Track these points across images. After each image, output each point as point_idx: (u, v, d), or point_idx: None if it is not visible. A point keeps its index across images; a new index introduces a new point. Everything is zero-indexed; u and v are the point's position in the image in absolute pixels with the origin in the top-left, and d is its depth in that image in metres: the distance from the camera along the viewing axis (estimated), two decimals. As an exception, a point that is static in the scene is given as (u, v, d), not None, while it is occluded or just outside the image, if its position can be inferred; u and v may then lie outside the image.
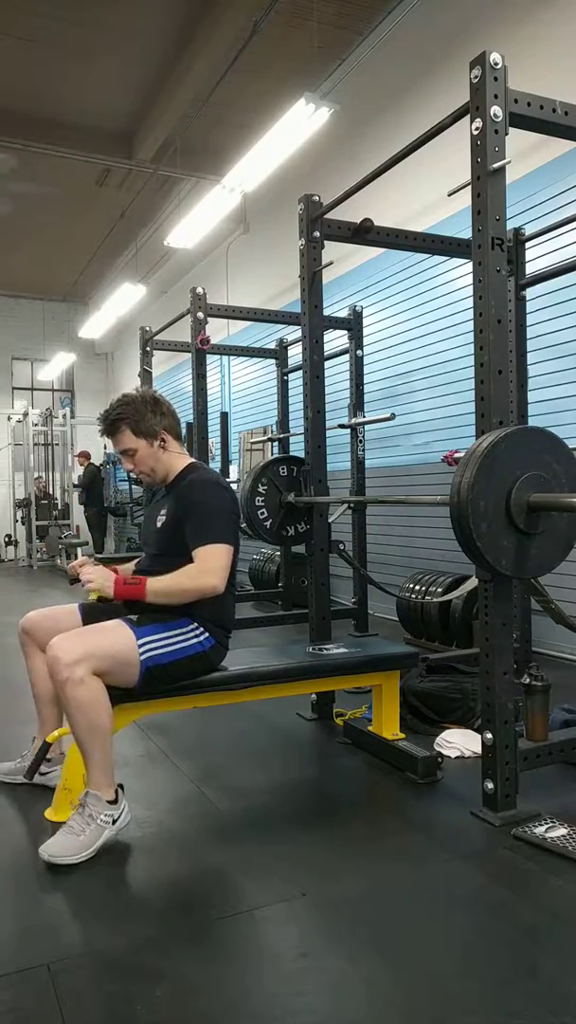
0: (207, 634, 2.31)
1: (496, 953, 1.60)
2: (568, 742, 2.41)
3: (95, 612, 2.38)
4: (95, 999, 1.49)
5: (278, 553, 6.35)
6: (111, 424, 2.41)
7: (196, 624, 2.29)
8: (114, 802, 2.11)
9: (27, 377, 13.70)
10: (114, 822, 2.09)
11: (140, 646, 2.17)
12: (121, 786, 2.17)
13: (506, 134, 2.22)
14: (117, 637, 2.16)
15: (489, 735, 2.23)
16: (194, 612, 2.29)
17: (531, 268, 3.98)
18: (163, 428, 2.42)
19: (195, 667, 2.29)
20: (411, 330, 5.71)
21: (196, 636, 2.28)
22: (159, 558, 2.40)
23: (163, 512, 2.42)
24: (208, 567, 2.22)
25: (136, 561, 2.59)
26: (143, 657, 2.16)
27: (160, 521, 2.42)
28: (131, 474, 2.51)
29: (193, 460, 2.54)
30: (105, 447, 13.66)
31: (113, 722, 2.13)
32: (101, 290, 11.81)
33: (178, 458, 2.48)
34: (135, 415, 2.39)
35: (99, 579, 2.18)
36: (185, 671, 2.27)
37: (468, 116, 2.25)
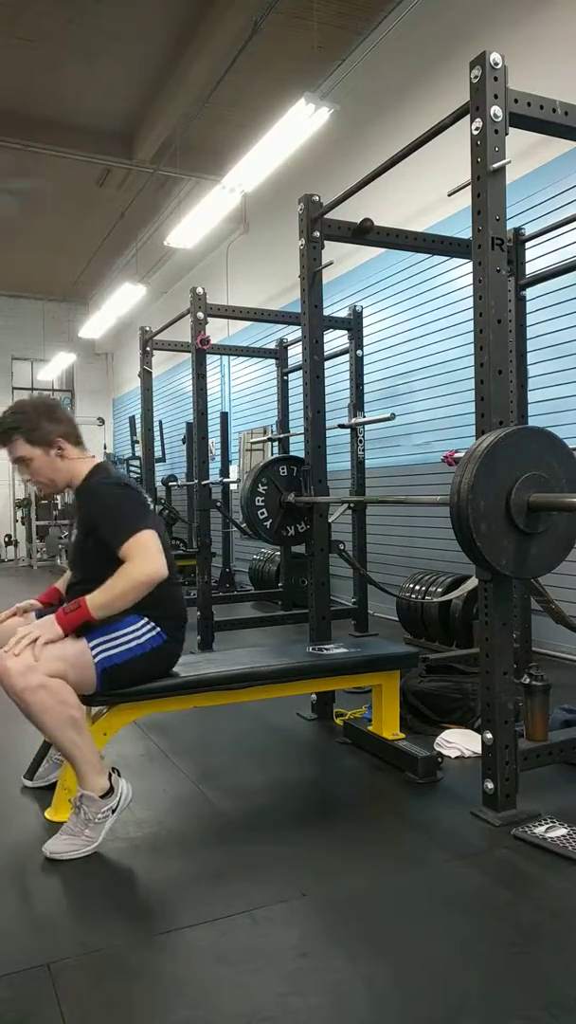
0: (158, 628, 2.25)
1: (496, 953, 1.60)
2: (568, 742, 2.41)
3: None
4: (95, 999, 1.49)
5: (278, 553, 6.35)
6: (2, 434, 2.31)
7: (145, 619, 2.23)
8: (108, 793, 2.09)
9: (27, 377, 13.70)
10: (113, 811, 2.09)
11: (92, 648, 2.13)
12: (115, 769, 2.16)
13: (506, 134, 2.22)
14: (67, 640, 2.11)
15: (489, 735, 2.23)
16: (141, 608, 2.20)
17: (531, 268, 3.97)
18: (59, 435, 2.33)
19: (152, 664, 2.25)
20: (411, 330, 5.72)
21: (148, 632, 2.23)
22: (78, 568, 2.34)
23: (75, 526, 2.34)
24: (141, 555, 2.12)
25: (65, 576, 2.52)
26: (97, 659, 2.12)
27: (75, 535, 2.36)
28: (33, 485, 2.43)
29: (99, 462, 2.42)
30: (105, 447, 13.69)
31: (84, 715, 2.10)
32: (101, 290, 11.81)
33: (80, 463, 2.38)
34: (28, 423, 2.30)
35: (44, 633, 2.06)
36: (143, 669, 2.23)
37: (468, 116, 2.25)
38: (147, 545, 2.14)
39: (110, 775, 2.13)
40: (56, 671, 2.04)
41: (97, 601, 2.10)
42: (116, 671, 2.17)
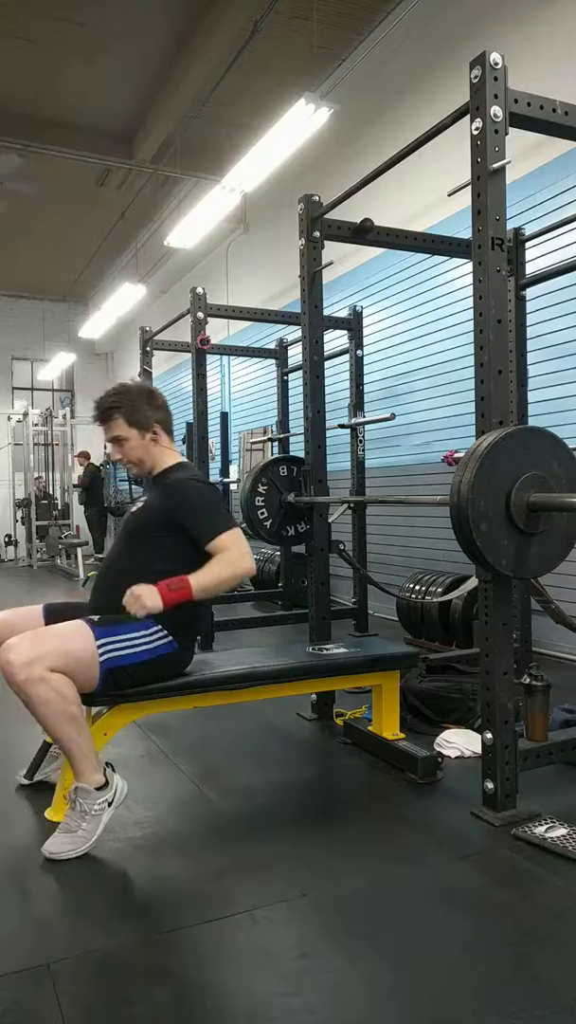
0: (170, 637, 2.26)
1: (496, 953, 1.60)
2: (568, 742, 2.41)
3: (57, 613, 2.37)
4: (95, 999, 1.49)
5: (278, 553, 6.35)
6: (105, 411, 2.41)
7: (160, 627, 2.24)
8: (104, 786, 2.09)
9: (27, 377, 13.70)
10: (110, 804, 2.09)
11: (99, 647, 2.13)
12: (109, 764, 2.16)
13: (506, 134, 2.22)
14: (74, 637, 2.13)
15: (489, 735, 2.23)
16: (158, 615, 2.21)
17: (531, 268, 3.97)
18: (156, 421, 2.44)
19: (159, 670, 2.25)
20: (411, 330, 5.71)
21: (159, 639, 2.24)
22: (126, 545, 2.41)
23: (142, 500, 2.46)
24: (239, 548, 2.26)
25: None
26: (103, 658, 2.12)
27: (136, 508, 2.46)
28: (121, 463, 2.51)
29: (183, 459, 2.54)
30: (105, 447, 13.67)
31: (82, 710, 2.10)
32: (101, 290, 11.81)
33: (167, 453, 2.49)
34: (130, 404, 2.41)
35: (147, 599, 2.12)
36: (148, 674, 2.23)
37: (468, 116, 2.25)
38: (242, 541, 2.29)
39: (105, 770, 2.13)
40: (59, 666, 2.04)
41: (201, 583, 2.18)
42: (120, 673, 2.17)
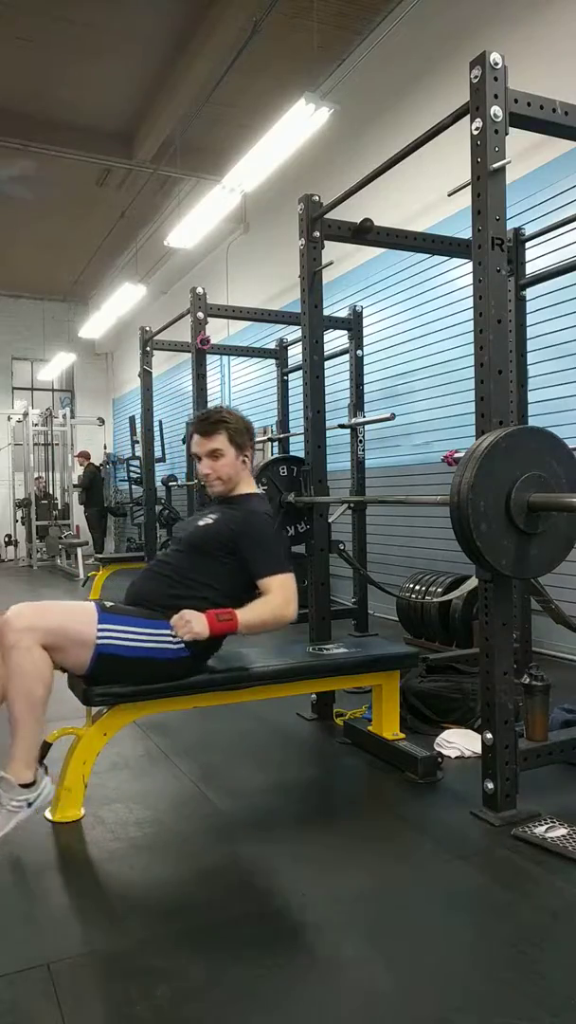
0: (182, 644, 2.25)
1: (496, 953, 1.60)
2: (568, 742, 2.41)
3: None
4: (95, 999, 1.49)
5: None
6: (214, 423, 2.51)
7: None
8: (30, 784, 2.06)
9: (27, 377, 13.70)
10: (30, 805, 2.06)
11: (99, 630, 2.16)
12: (45, 766, 2.14)
13: (506, 134, 2.22)
14: (76, 615, 2.18)
15: (489, 735, 2.23)
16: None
17: (531, 268, 3.97)
18: (249, 448, 2.59)
19: (155, 671, 2.25)
20: (411, 330, 5.71)
21: (170, 642, 2.24)
22: (185, 553, 2.44)
23: (211, 517, 2.49)
24: (287, 594, 2.33)
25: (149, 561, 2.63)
26: (99, 641, 2.15)
27: (204, 522, 2.49)
28: (204, 479, 2.59)
29: (259, 491, 2.65)
30: (105, 447, 13.68)
31: (47, 701, 2.09)
32: (101, 290, 11.81)
33: (248, 481, 2.61)
34: (235, 425, 2.54)
35: (196, 624, 2.15)
36: (143, 671, 2.24)
37: (468, 116, 2.25)
38: (292, 587, 2.36)
39: (38, 770, 2.10)
40: (52, 643, 2.08)
41: (246, 620, 2.23)
42: (114, 661, 2.18)
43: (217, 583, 2.38)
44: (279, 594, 2.32)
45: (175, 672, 2.30)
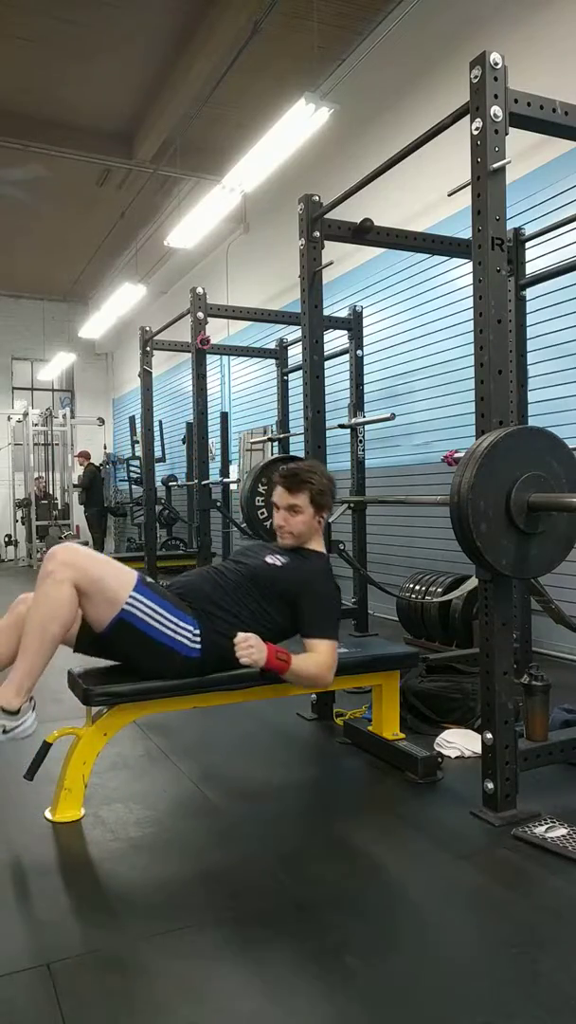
0: (201, 646, 2.30)
1: (496, 953, 1.60)
2: (568, 742, 2.41)
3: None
4: (95, 999, 1.49)
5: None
6: (300, 481, 2.56)
7: (200, 632, 2.31)
8: (15, 712, 2.12)
9: (27, 377, 13.70)
10: (5, 732, 2.12)
11: (131, 597, 2.21)
12: (33, 700, 2.19)
13: (506, 134, 2.22)
14: (117, 574, 2.25)
15: (489, 735, 2.23)
16: (207, 622, 2.33)
17: (531, 268, 3.98)
18: (327, 509, 2.63)
19: (162, 659, 2.28)
20: (411, 330, 5.72)
21: (188, 639, 2.29)
22: (245, 578, 2.47)
23: (280, 559, 2.53)
24: (331, 660, 2.39)
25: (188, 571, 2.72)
26: (126, 606, 2.21)
27: (272, 561, 2.52)
28: (277, 529, 2.63)
29: (324, 552, 2.67)
30: (105, 447, 13.68)
31: (58, 640, 2.17)
32: (101, 290, 11.81)
33: (318, 540, 2.65)
34: (320, 486, 2.58)
35: (257, 652, 2.18)
36: (151, 654, 2.27)
37: (468, 116, 2.25)
38: (335, 656, 2.42)
39: (25, 703, 2.16)
40: (86, 587, 2.15)
41: (296, 668, 2.27)
42: (130, 631, 2.23)
43: (261, 618, 2.42)
44: (327, 658, 2.38)
45: (177, 667, 2.31)
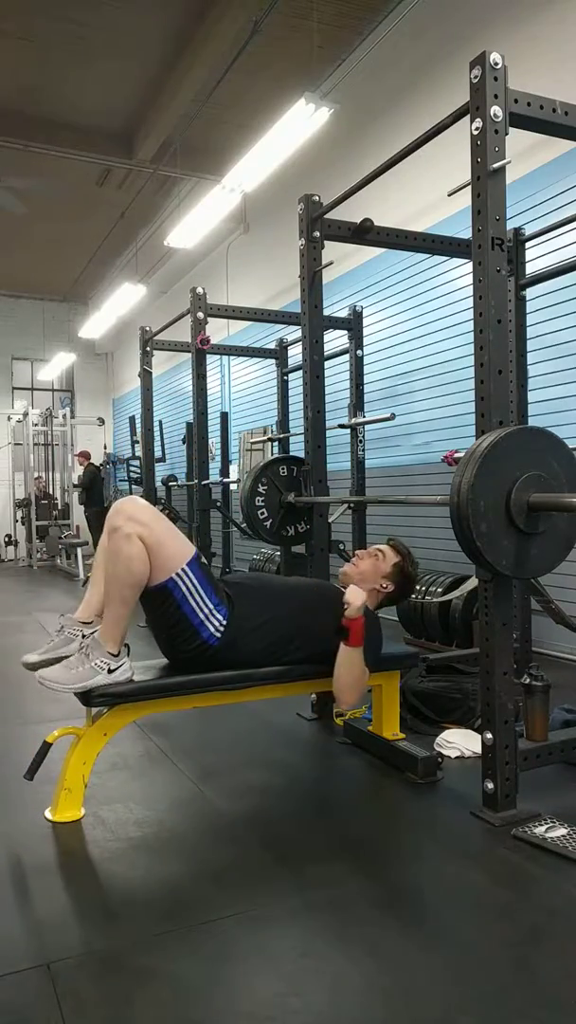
0: (222, 634, 2.36)
1: (496, 953, 1.60)
2: (568, 742, 2.41)
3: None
4: (95, 999, 1.49)
5: (278, 553, 6.35)
6: (404, 554, 2.76)
7: (228, 621, 2.37)
8: (116, 655, 2.24)
9: (27, 377, 13.70)
10: (110, 671, 2.22)
11: (182, 570, 2.29)
12: (128, 646, 2.31)
13: (506, 134, 2.22)
14: (178, 543, 2.34)
15: (489, 735, 2.23)
16: (238, 612, 2.40)
17: (531, 268, 3.98)
18: (395, 585, 2.72)
19: (185, 637, 2.35)
20: (411, 330, 5.72)
21: (214, 626, 2.35)
22: (316, 592, 2.69)
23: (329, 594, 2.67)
24: (363, 688, 2.55)
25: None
26: (174, 576, 2.29)
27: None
28: (351, 561, 2.79)
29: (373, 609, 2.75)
30: (105, 447, 13.68)
31: (137, 588, 2.26)
32: (101, 290, 11.81)
33: (373, 598, 2.70)
34: (405, 567, 2.74)
35: (358, 601, 2.45)
36: (178, 628, 2.34)
37: (468, 116, 2.25)
38: (366, 680, 2.56)
39: (123, 649, 2.28)
40: (148, 545, 2.23)
41: (358, 653, 2.47)
42: (167, 599, 2.30)
43: (308, 633, 2.52)
44: (362, 680, 2.52)
45: (193, 649, 2.37)
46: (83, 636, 2.35)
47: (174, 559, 2.29)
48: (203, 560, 2.40)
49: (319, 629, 2.52)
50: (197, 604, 2.33)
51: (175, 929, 1.70)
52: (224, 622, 2.37)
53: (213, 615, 2.35)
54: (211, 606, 2.35)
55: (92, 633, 2.30)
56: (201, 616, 2.34)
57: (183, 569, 2.30)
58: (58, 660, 2.30)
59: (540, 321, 4.29)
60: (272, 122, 5.28)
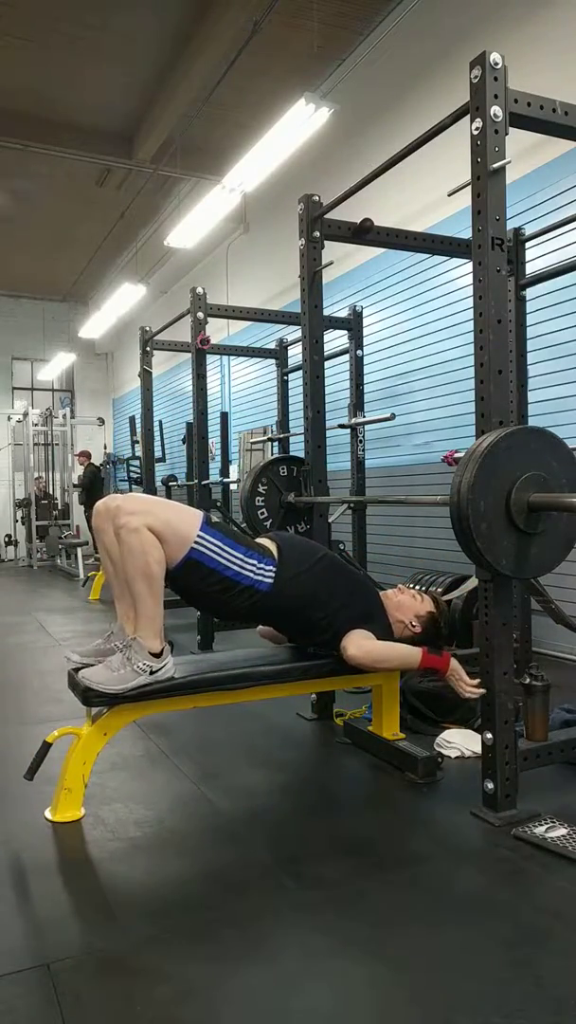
0: (271, 581, 2.43)
1: (496, 953, 1.60)
2: (568, 742, 2.41)
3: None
4: (95, 999, 1.49)
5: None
6: (434, 600, 2.85)
7: (273, 567, 2.45)
8: (158, 655, 2.25)
9: (27, 377, 13.70)
10: (152, 672, 2.23)
11: (199, 536, 2.31)
12: (171, 643, 2.32)
13: (506, 134, 2.22)
14: (183, 515, 2.35)
15: (489, 735, 2.23)
16: (285, 561, 2.47)
17: (531, 268, 3.97)
18: (421, 629, 2.77)
19: (234, 593, 2.39)
20: (411, 330, 5.72)
21: (254, 572, 2.40)
22: (337, 572, 2.71)
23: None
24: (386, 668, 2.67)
25: None
26: (193, 545, 2.30)
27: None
28: (398, 589, 2.87)
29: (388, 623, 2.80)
30: (105, 447, 13.68)
31: (162, 577, 2.27)
32: (101, 290, 11.81)
33: (399, 627, 2.76)
34: (439, 614, 2.82)
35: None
36: (223, 587, 2.37)
37: (468, 116, 2.24)
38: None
39: (164, 647, 2.28)
40: (157, 530, 2.23)
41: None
42: (198, 568, 2.33)
43: (327, 607, 2.57)
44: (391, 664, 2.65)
45: (247, 600, 2.41)
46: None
47: (186, 530, 2.31)
48: (213, 519, 2.42)
49: (329, 616, 2.55)
50: (228, 559, 2.36)
51: (175, 929, 1.70)
52: (267, 564, 2.44)
53: (248, 562, 2.40)
54: (240, 555, 2.39)
55: (133, 638, 2.28)
56: (236, 567, 2.37)
57: (199, 536, 2.32)
58: (98, 662, 2.31)
59: (540, 321, 4.29)
60: (272, 122, 5.28)
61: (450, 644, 4.33)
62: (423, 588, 4.48)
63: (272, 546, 2.55)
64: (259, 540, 2.62)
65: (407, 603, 2.76)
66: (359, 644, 2.49)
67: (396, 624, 2.72)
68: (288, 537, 2.68)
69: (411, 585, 4.60)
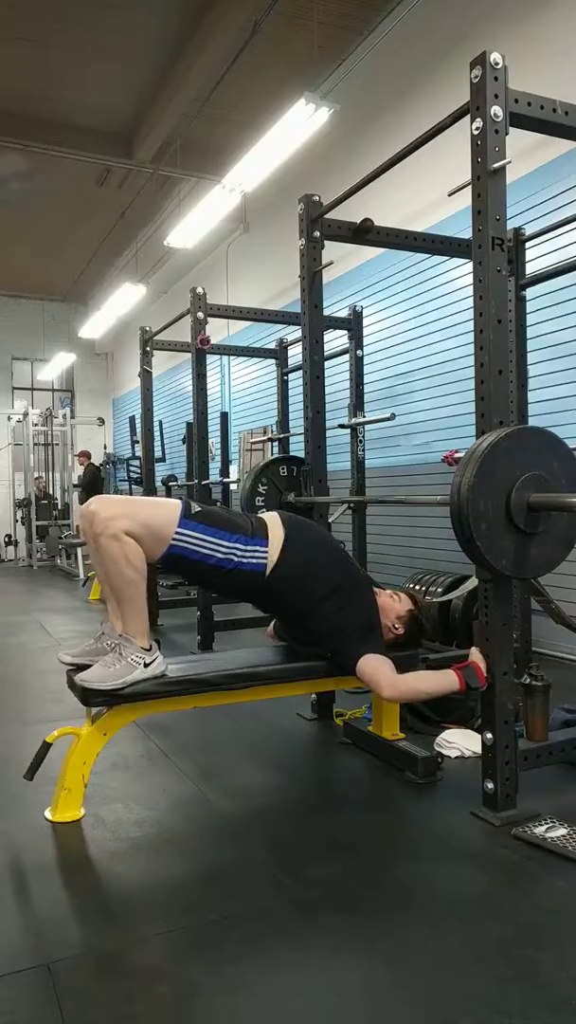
0: (260, 561, 2.42)
1: (496, 953, 1.60)
2: (568, 742, 2.41)
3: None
4: (95, 999, 1.49)
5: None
6: (412, 596, 2.82)
7: (264, 548, 2.43)
8: (147, 650, 2.29)
9: (27, 377, 13.70)
10: (146, 665, 2.26)
11: (177, 533, 2.32)
12: (158, 641, 2.36)
13: (506, 134, 2.22)
14: (159, 512, 2.35)
15: (489, 735, 2.23)
16: (289, 546, 2.46)
17: (531, 268, 3.97)
18: (404, 629, 2.73)
19: (220, 574, 2.40)
20: (411, 330, 5.71)
21: (245, 556, 2.40)
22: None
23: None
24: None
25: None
26: (173, 542, 2.32)
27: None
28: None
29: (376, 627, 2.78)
30: (105, 447, 13.68)
31: (144, 577, 2.29)
32: (101, 290, 11.81)
33: (382, 628, 2.71)
34: (417, 610, 2.79)
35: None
36: (212, 573, 2.39)
37: (468, 116, 2.25)
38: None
39: (152, 643, 2.32)
40: (135, 532, 2.24)
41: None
42: (181, 560, 2.36)
43: (324, 604, 2.54)
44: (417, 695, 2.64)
45: (232, 580, 2.42)
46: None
47: (164, 528, 2.31)
48: (194, 509, 2.40)
49: (319, 618, 2.52)
50: (210, 548, 2.36)
51: (175, 929, 1.70)
52: (257, 548, 2.42)
53: (227, 546, 2.38)
54: (222, 540, 2.37)
55: (122, 636, 2.32)
56: (220, 554, 2.37)
57: (177, 532, 2.32)
58: (90, 664, 2.32)
59: (540, 321, 4.29)
60: (272, 122, 5.28)
61: (450, 644, 4.34)
62: (423, 588, 4.49)
63: (278, 526, 2.52)
64: (263, 515, 2.60)
65: (387, 605, 2.72)
66: (392, 683, 2.41)
67: (386, 621, 2.70)
68: (300, 522, 2.64)
69: (411, 585, 4.60)
